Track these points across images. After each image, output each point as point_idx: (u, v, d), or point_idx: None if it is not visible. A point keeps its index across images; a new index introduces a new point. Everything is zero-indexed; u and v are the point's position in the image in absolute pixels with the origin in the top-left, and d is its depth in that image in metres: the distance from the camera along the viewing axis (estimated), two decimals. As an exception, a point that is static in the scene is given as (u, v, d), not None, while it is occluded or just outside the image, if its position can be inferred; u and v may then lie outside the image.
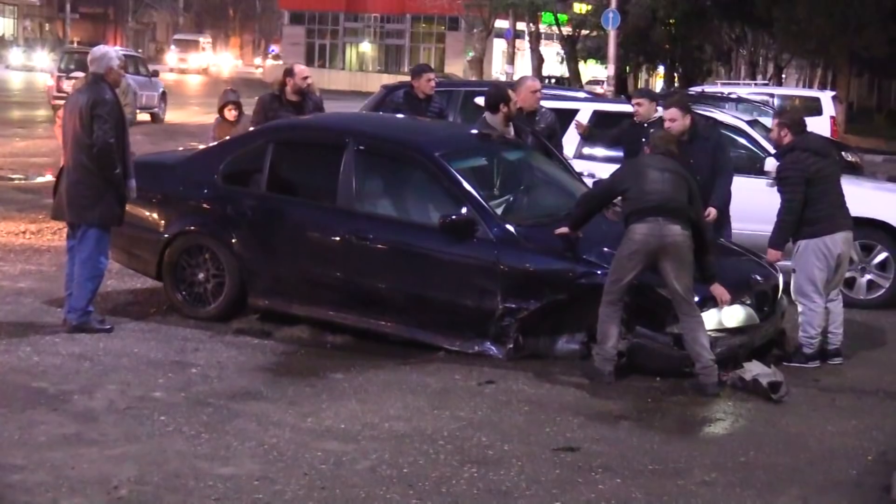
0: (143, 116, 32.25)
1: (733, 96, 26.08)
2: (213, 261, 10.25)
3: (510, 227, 9.44)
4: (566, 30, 54.16)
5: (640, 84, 64.03)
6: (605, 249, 9.13)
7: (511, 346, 9.30)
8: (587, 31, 53.34)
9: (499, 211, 9.68)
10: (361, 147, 10.04)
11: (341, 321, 9.86)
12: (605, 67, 39.33)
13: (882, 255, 12.03)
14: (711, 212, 10.29)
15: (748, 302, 9.33)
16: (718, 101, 23.39)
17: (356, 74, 75.71)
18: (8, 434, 7.10)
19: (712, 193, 10.52)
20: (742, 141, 12.97)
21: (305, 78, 12.14)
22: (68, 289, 9.75)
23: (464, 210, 9.48)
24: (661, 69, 64.26)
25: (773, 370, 8.85)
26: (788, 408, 8.54)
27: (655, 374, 8.99)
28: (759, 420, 8.24)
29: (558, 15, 53.72)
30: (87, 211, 9.58)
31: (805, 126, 9.80)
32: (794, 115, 10.03)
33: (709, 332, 8.86)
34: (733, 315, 9.18)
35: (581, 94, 17.80)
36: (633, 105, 11.80)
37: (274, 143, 10.45)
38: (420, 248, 9.58)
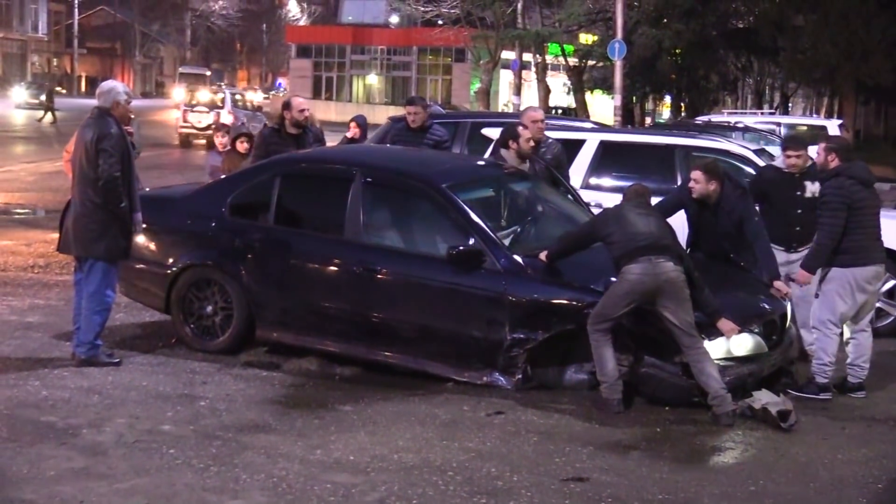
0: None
1: (740, 125, 26.08)
2: (222, 294, 10.28)
3: (518, 258, 9.45)
4: (572, 61, 54.26)
5: (647, 113, 64.13)
6: (613, 279, 9.11)
7: (520, 376, 9.30)
8: (593, 62, 53.40)
9: (506, 242, 9.69)
10: (369, 179, 10.08)
11: (349, 353, 9.88)
12: (612, 98, 39.32)
13: (890, 283, 12.00)
14: (780, 286, 9.73)
15: (756, 330, 9.31)
16: (725, 130, 23.40)
17: (363, 107, 75.81)
18: (17, 468, 7.10)
19: (759, 265, 10.07)
20: (749, 170, 12.96)
21: (303, 111, 12.14)
22: (76, 322, 9.78)
23: (471, 241, 9.50)
24: (667, 99, 64.29)
25: (783, 399, 8.84)
26: (798, 436, 8.52)
27: (665, 404, 8.99)
28: (768, 449, 8.22)
29: (564, 46, 53.87)
30: (94, 244, 9.62)
31: (852, 153, 9.79)
32: (842, 141, 10.02)
33: (717, 361, 8.86)
34: (742, 344, 9.15)
35: (588, 125, 17.81)
36: (787, 156, 10.67)
37: (281, 175, 10.49)
38: (428, 280, 9.60)
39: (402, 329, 9.70)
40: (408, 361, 9.68)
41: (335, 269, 9.97)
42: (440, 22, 62.84)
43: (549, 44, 53.71)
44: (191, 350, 10.26)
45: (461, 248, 9.42)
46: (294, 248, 10.16)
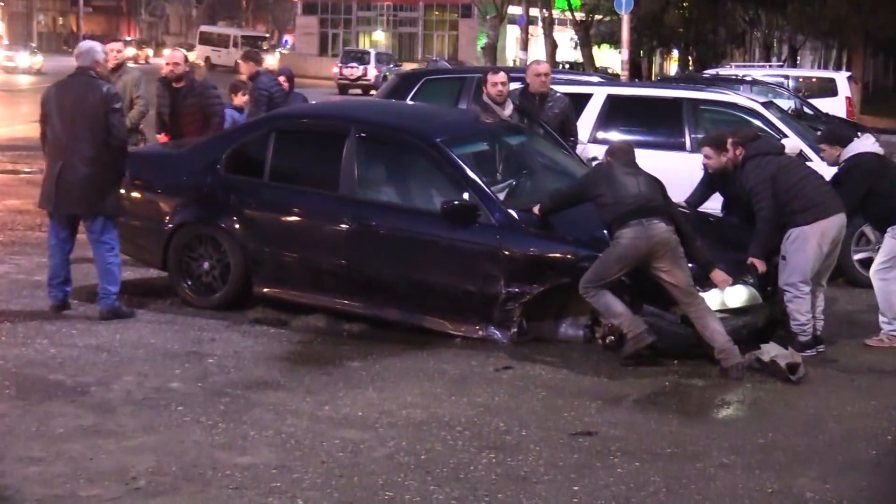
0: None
1: (748, 79, 26.02)
2: (218, 250, 10.30)
3: (512, 212, 9.45)
4: (579, 15, 54.08)
5: (655, 69, 63.89)
6: (603, 234, 9.10)
7: (515, 330, 9.32)
8: (600, 16, 53.25)
9: (501, 196, 9.68)
10: (363, 134, 10.07)
11: (345, 308, 9.89)
12: (619, 52, 39.16)
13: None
14: (757, 263, 9.41)
15: (750, 281, 9.28)
16: (733, 83, 23.34)
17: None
18: (26, 426, 7.11)
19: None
20: (757, 123, 12.90)
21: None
22: (57, 278, 9.90)
23: (466, 195, 9.50)
24: (675, 53, 64.11)
25: (790, 351, 8.82)
26: (807, 389, 8.51)
27: (664, 354, 8.98)
28: (777, 402, 8.21)
29: (571, 0, 53.63)
30: (101, 202, 9.69)
31: (751, 137, 9.79)
32: (739, 133, 9.90)
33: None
34: (736, 295, 9.13)
35: (595, 79, 17.73)
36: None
37: (276, 131, 10.49)
38: (423, 235, 9.62)
39: (398, 284, 9.72)
40: (403, 316, 9.71)
41: (330, 224, 9.96)
42: (447, -23, 62.65)
43: (555, -2, 53.51)
44: (187, 306, 10.27)
45: (456, 202, 9.43)
46: (289, 203, 10.17)
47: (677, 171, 11.05)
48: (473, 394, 8.09)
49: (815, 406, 8.12)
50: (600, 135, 13.21)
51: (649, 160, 11.70)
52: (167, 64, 12.61)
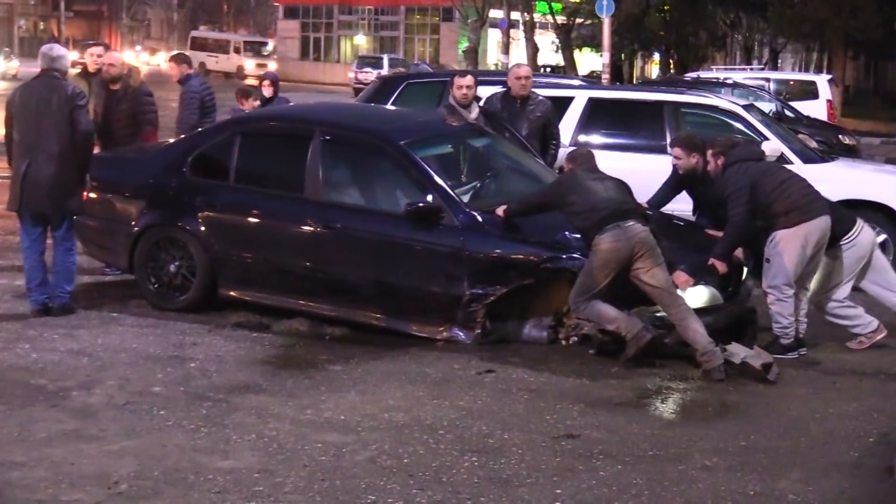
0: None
1: (729, 82, 26.08)
2: (184, 252, 10.34)
3: (476, 214, 9.51)
4: (560, 18, 54.13)
5: (636, 72, 63.99)
6: (568, 233, 9.24)
7: (479, 331, 9.39)
8: (581, 20, 53.29)
9: (465, 198, 9.75)
10: (328, 137, 10.13)
11: (309, 310, 9.95)
12: (600, 55, 39.19)
13: (881, 237, 11.99)
14: (718, 266, 9.46)
15: (712, 283, 9.34)
16: (714, 86, 23.40)
17: (351, 67, 75.55)
18: (8, 431, 7.09)
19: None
20: (738, 126, 12.95)
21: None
22: (35, 280, 10.00)
23: (429, 197, 9.55)
24: (656, 56, 64.18)
25: (757, 351, 8.86)
26: (788, 391, 8.54)
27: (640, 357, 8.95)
28: (759, 404, 8.23)
29: (552, 4, 53.70)
30: (68, 200, 9.90)
31: (729, 146, 9.76)
32: (718, 142, 9.85)
33: None
34: (697, 296, 9.22)
35: (576, 82, 17.75)
36: None
37: (241, 134, 10.57)
38: (387, 236, 9.67)
39: (363, 285, 9.76)
40: (368, 317, 9.75)
41: (295, 226, 10.00)
42: (428, -20, 62.71)
43: (536, 2, 53.55)
44: (154, 309, 10.31)
45: (419, 204, 9.49)
46: (254, 206, 10.23)
47: (658, 173, 11.05)
48: (455, 397, 8.09)
49: (796, 408, 8.14)
50: (582, 138, 13.23)
51: (630, 163, 11.82)
52: (96, 56, 12.39)
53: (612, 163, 12.53)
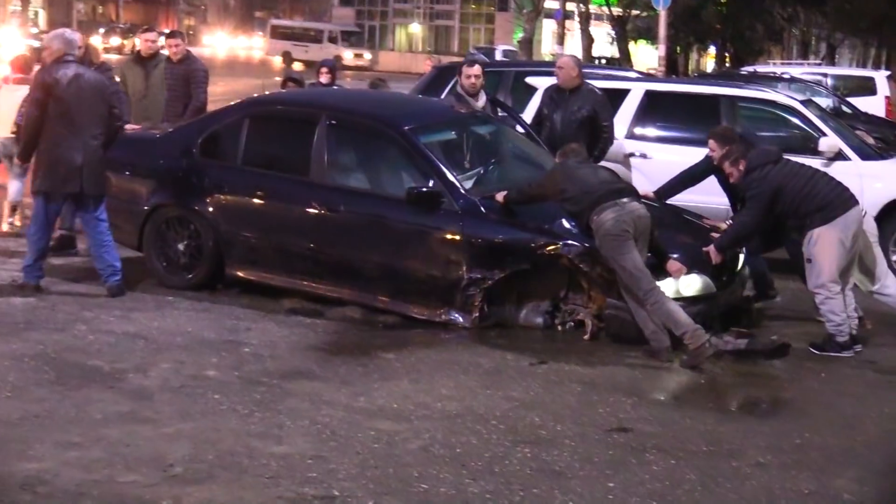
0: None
1: (786, 76, 25.86)
2: (192, 232, 10.57)
3: (475, 199, 9.64)
4: (616, 10, 53.93)
5: (692, 65, 63.62)
6: (565, 221, 9.38)
7: (476, 315, 9.51)
8: (637, 12, 53.05)
9: (467, 183, 9.87)
10: (334, 121, 10.31)
11: (313, 290, 10.15)
12: (656, 48, 38.99)
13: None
14: (713, 254, 9.56)
15: (705, 271, 9.42)
16: (771, 80, 23.20)
17: (405, 55, 75.48)
18: (65, 411, 7.16)
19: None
20: (796, 121, 12.85)
21: None
22: (44, 257, 10.33)
23: (431, 182, 9.68)
24: (712, 49, 63.75)
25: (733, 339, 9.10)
26: (844, 389, 8.48)
27: (630, 343, 9.08)
28: (814, 401, 8.17)
29: (608, -5, 53.49)
30: (103, 181, 10.25)
31: (746, 145, 9.87)
32: (737, 147, 9.87)
33: None
34: (690, 284, 9.32)
35: (632, 74, 17.69)
36: None
37: (250, 117, 10.77)
38: (388, 220, 9.84)
39: (364, 267, 9.94)
40: (369, 299, 9.93)
41: (300, 208, 10.18)
42: (484, -30, 62.54)
43: (593, -7, 53.33)
44: (161, 286, 10.49)
45: (420, 188, 9.65)
46: (260, 187, 10.43)
47: (701, 182, 11.00)
48: (508, 388, 8.09)
49: (852, 406, 8.08)
50: (637, 130, 13.18)
51: (686, 156, 11.70)
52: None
53: (667, 156, 12.52)
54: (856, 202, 9.44)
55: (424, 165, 9.88)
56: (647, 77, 18.94)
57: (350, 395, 7.75)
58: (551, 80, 12.23)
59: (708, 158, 10.35)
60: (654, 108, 13.38)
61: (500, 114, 12.15)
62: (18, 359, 8.17)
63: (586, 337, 9.33)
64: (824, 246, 9.25)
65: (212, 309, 9.89)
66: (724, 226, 9.94)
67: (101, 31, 73.15)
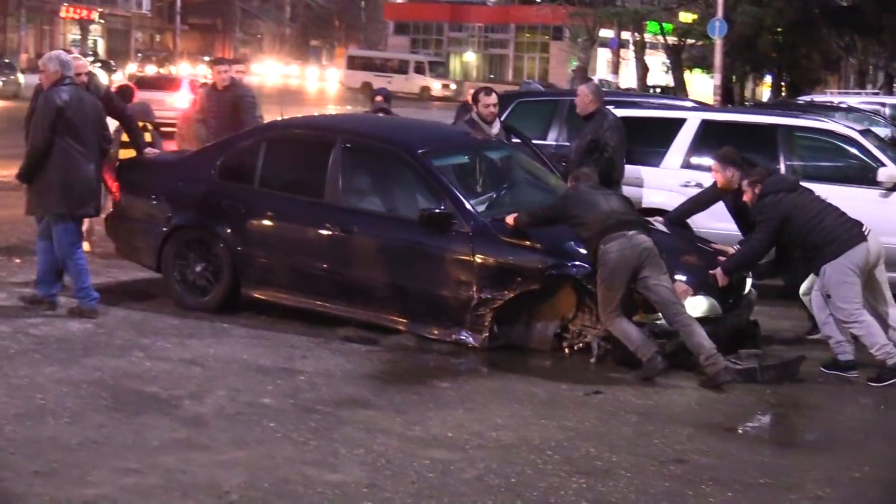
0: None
1: (844, 106, 25.68)
2: (210, 253, 10.72)
3: (486, 221, 9.78)
4: (671, 39, 53.75)
5: (747, 93, 63.31)
6: (573, 243, 9.50)
7: (486, 334, 9.63)
8: (693, 41, 52.89)
9: (479, 207, 10.00)
10: (348, 145, 10.48)
11: (326, 311, 10.28)
12: (711, 77, 38.89)
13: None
14: (719, 276, 9.64)
15: (711, 294, 9.53)
16: (828, 110, 23.06)
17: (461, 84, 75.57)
18: (122, 437, 7.21)
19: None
20: (854, 151, 12.74)
21: (78, 74, 11.11)
22: (54, 274, 10.41)
23: (442, 204, 9.85)
24: (767, 78, 63.40)
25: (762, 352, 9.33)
26: (903, 422, 8.39)
27: (634, 365, 9.14)
28: (873, 433, 8.09)
29: (663, 24, 53.38)
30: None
31: (763, 172, 9.89)
32: (755, 172, 9.94)
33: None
34: (696, 306, 9.42)
35: (689, 104, 17.63)
36: None
37: (267, 141, 10.96)
38: (401, 241, 10.02)
39: (377, 288, 10.08)
40: (381, 319, 10.05)
41: (314, 230, 10.35)
42: (538, 0, 62.55)
43: (647, 22, 53.25)
44: (183, 308, 10.64)
45: (432, 210, 9.81)
46: (276, 210, 10.61)
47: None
48: (563, 417, 8.07)
49: (911, 439, 7.99)
50: (693, 160, 13.11)
51: (742, 186, 11.61)
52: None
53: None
54: (864, 238, 9.43)
55: (436, 188, 10.03)
56: (704, 107, 18.86)
57: (405, 424, 7.75)
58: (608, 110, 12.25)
59: (714, 185, 10.49)
60: (711, 138, 13.29)
61: (513, 139, 12.46)
62: (77, 385, 8.23)
63: (592, 360, 9.43)
64: (839, 280, 9.29)
65: (267, 336, 9.94)
66: (731, 250, 10.04)
67: (139, 56, 73.48)
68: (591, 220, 9.19)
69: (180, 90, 31.48)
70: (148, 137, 12.74)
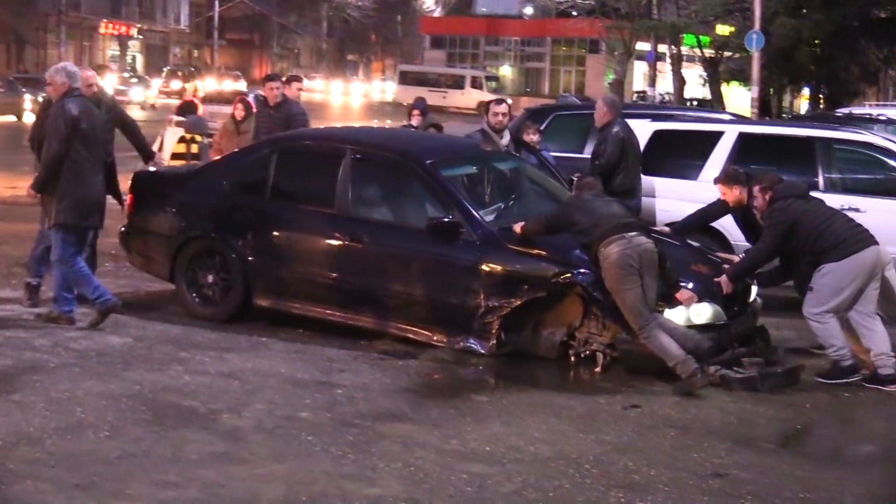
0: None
1: (882, 118, 25.51)
2: (222, 264, 10.88)
3: (493, 230, 9.92)
4: (708, 52, 53.58)
5: (784, 105, 63.01)
6: (578, 252, 9.57)
7: (493, 342, 9.75)
8: (730, 53, 52.70)
9: (487, 216, 10.14)
10: (358, 156, 10.63)
11: (336, 319, 10.43)
12: (748, 89, 38.73)
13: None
14: (724, 283, 9.82)
15: (715, 301, 9.65)
16: (867, 122, 22.92)
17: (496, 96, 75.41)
18: (162, 451, 7.24)
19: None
20: (893, 163, 12.67)
21: (89, 85, 11.17)
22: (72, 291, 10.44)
23: (450, 214, 10.00)
24: (805, 91, 63.09)
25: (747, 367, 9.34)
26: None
27: (641, 374, 9.26)
28: (914, 449, 8.03)
29: (700, 37, 53.19)
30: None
31: (774, 180, 10.02)
32: (766, 177, 10.09)
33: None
34: (701, 312, 9.56)
35: (726, 117, 17.58)
36: None
37: (278, 152, 11.16)
38: (409, 250, 10.15)
39: (386, 296, 10.22)
40: (390, 327, 10.22)
41: (324, 240, 10.50)
42: (574, 13, 62.58)
43: (684, 35, 53.08)
44: (195, 318, 10.80)
45: (440, 219, 9.95)
46: (287, 220, 10.77)
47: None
48: (601, 431, 8.04)
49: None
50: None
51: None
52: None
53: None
54: (872, 243, 9.55)
55: (444, 198, 10.18)
56: (741, 119, 18.79)
57: (442, 438, 7.75)
58: (645, 123, 12.27)
59: (719, 201, 10.60)
60: (749, 151, 13.25)
61: (523, 151, 12.75)
62: (116, 399, 8.28)
63: (598, 370, 9.50)
64: (832, 281, 9.44)
65: (305, 350, 9.96)
66: (736, 259, 10.22)
67: (164, 71, 73.36)
68: (590, 225, 9.35)
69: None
70: (195, 149, 12.95)
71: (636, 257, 9.10)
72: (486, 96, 66.64)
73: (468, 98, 66.21)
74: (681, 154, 13.24)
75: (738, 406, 8.73)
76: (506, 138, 12.58)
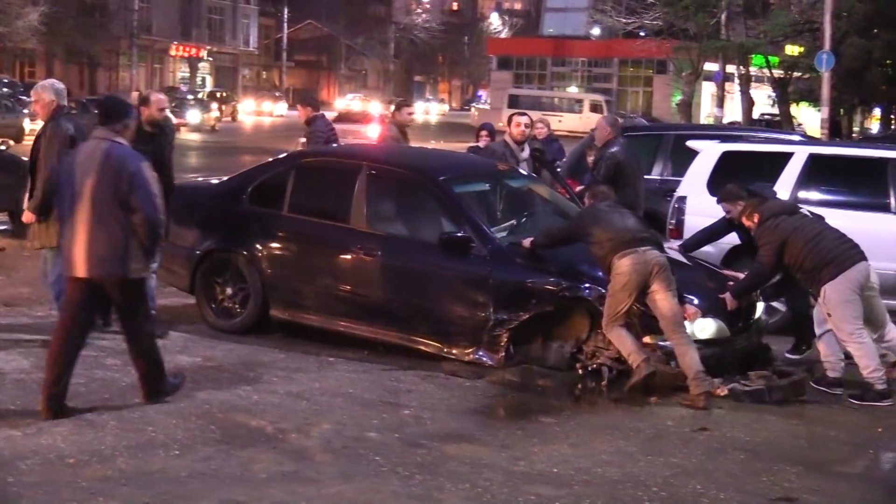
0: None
1: (954, 138, 25.22)
2: (240, 276, 11.17)
3: (502, 245, 10.16)
4: (777, 72, 53.24)
5: (855, 126, 62.45)
6: (586, 266, 9.80)
7: (502, 354, 9.95)
8: (799, 74, 52.35)
9: (496, 231, 10.39)
10: (374, 172, 10.88)
11: (350, 332, 10.65)
12: (818, 110, 38.43)
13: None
14: (729, 301, 9.95)
15: (719, 317, 9.79)
16: (938, 143, 22.63)
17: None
18: (230, 470, 7.30)
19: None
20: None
21: (162, 109, 11.29)
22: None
23: (462, 228, 10.22)
24: (876, 111, 62.49)
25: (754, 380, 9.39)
26: None
27: (655, 393, 9.32)
28: None
29: (769, 57, 52.85)
30: None
31: (761, 196, 10.21)
32: (753, 198, 10.18)
33: None
34: (704, 327, 9.73)
35: (795, 137, 17.45)
36: None
37: (296, 168, 11.47)
38: (422, 264, 10.37)
39: (399, 309, 10.43)
40: (402, 339, 10.40)
41: (340, 253, 10.73)
42: (642, 34, 62.31)
43: (753, 55, 52.75)
44: (214, 329, 11.02)
45: (452, 234, 10.20)
46: (303, 234, 11.03)
47: (881, 232, 10.82)
48: (669, 454, 8.00)
49: None
50: (801, 194, 12.94)
51: (852, 221, 11.48)
52: (158, 109, 11.32)
53: (830, 221, 12.27)
54: (861, 258, 9.63)
55: (456, 213, 10.42)
56: (812, 140, 18.66)
57: (510, 459, 7.74)
58: (712, 144, 12.21)
59: (725, 218, 10.76)
60: (819, 172, 13.13)
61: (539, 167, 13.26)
62: (186, 417, 8.35)
63: (603, 383, 9.58)
64: (838, 300, 9.48)
65: (372, 370, 10.00)
66: (741, 276, 10.25)
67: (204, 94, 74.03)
68: (605, 237, 9.48)
69: (372, 123, 41.58)
70: None
71: (646, 274, 9.29)
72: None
73: (585, 122, 61.82)
74: (751, 175, 13.13)
75: (809, 429, 8.66)
76: (526, 151, 12.95)
